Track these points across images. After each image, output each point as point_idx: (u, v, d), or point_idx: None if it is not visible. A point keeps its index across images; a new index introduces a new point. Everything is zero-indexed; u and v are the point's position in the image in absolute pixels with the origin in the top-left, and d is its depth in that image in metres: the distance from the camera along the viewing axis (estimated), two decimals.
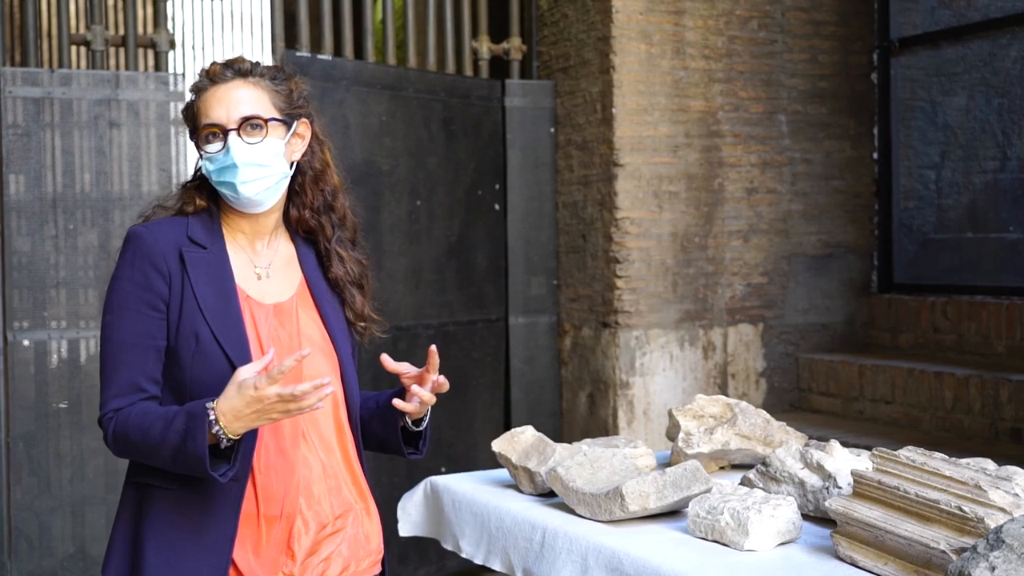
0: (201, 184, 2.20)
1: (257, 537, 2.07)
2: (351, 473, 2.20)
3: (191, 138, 2.18)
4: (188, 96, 2.20)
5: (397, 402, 2.16)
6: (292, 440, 2.11)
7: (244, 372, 1.93)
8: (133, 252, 2.08)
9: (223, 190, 2.12)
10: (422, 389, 2.15)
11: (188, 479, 2.02)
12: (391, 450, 2.28)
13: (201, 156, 2.14)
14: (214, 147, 2.11)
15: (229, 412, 1.92)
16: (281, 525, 2.08)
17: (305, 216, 2.23)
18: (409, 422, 2.24)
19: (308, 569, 2.10)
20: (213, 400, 1.94)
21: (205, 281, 2.09)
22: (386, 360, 2.14)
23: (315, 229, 2.24)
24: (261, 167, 2.10)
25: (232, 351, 2.05)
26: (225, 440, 1.94)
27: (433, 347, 2.14)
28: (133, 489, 2.11)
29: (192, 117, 2.16)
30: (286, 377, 1.93)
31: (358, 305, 2.24)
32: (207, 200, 2.18)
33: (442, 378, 2.16)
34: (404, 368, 2.17)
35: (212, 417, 1.92)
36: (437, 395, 2.18)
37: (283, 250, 2.23)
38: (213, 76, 2.14)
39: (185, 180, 2.25)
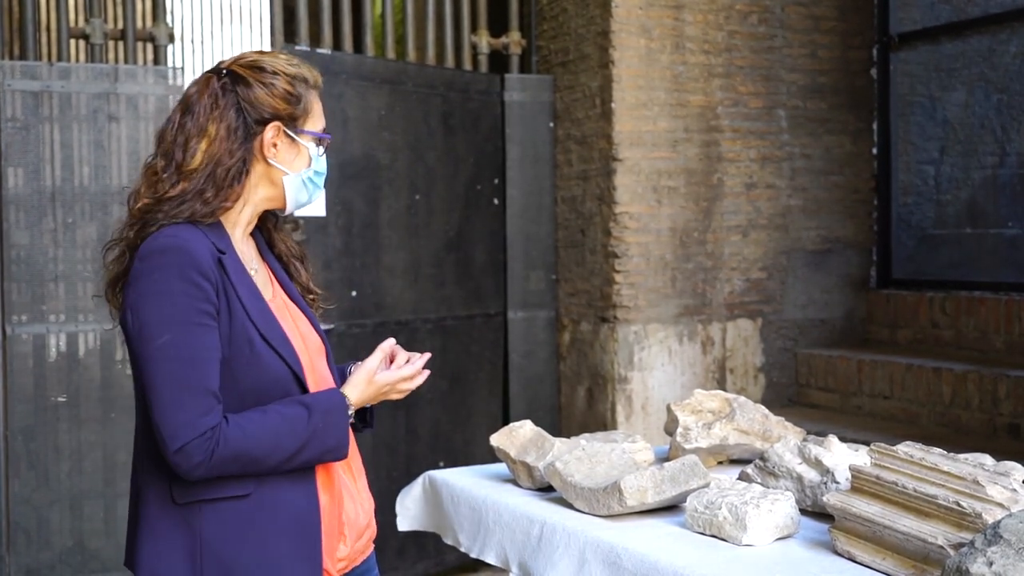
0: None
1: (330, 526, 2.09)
2: (357, 455, 2.22)
3: (286, 124, 2.07)
4: (301, 76, 2.09)
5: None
6: None
7: (371, 362, 2.12)
8: (179, 264, 1.92)
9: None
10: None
11: (262, 481, 1.97)
12: None
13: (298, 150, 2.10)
14: (321, 151, 2.15)
15: (357, 401, 2.10)
16: (335, 510, 2.09)
17: None
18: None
19: (354, 552, 2.13)
20: (341, 393, 2.07)
21: (242, 285, 2.02)
22: (391, 345, 2.19)
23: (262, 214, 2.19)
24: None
25: (284, 352, 2.01)
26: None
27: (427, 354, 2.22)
28: (184, 512, 1.96)
29: (301, 106, 2.09)
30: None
31: (303, 278, 2.24)
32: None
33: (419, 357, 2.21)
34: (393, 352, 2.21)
35: (351, 411, 2.08)
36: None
37: (252, 243, 2.18)
38: (319, 87, 2.16)
39: (227, 180, 2.02)
